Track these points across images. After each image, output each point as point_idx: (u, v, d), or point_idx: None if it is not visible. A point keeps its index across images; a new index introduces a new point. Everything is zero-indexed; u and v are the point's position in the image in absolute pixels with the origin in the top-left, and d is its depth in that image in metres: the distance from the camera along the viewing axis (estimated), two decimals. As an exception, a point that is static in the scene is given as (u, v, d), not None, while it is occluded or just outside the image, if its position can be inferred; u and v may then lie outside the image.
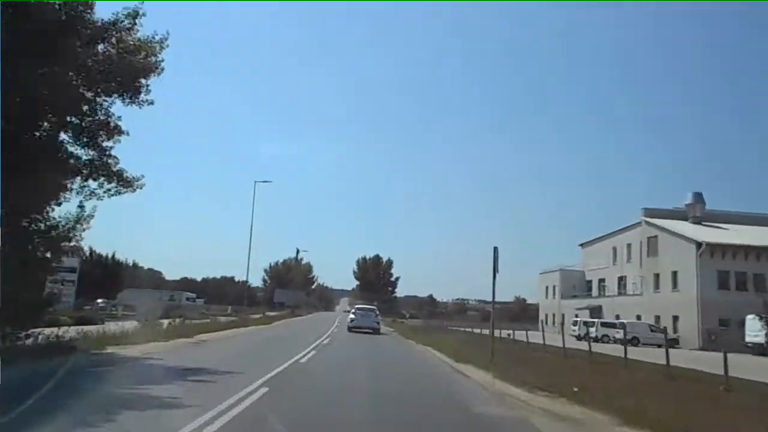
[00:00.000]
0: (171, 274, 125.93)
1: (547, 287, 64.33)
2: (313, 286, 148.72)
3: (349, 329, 33.19)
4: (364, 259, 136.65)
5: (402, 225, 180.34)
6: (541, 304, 66.98)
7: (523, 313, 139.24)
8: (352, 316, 35.77)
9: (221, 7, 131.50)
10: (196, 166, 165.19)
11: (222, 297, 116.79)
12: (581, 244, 61.62)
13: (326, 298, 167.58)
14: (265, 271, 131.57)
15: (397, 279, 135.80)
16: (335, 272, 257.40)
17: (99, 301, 53.64)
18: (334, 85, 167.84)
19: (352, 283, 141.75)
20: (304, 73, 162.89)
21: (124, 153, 12.53)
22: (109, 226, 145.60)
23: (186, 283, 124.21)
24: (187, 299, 77.04)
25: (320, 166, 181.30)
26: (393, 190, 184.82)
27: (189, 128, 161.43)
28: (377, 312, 37.93)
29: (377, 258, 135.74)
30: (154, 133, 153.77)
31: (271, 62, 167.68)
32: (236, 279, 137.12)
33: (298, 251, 59.61)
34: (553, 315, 61.38)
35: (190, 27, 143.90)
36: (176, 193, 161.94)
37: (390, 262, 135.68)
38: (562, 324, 45.25)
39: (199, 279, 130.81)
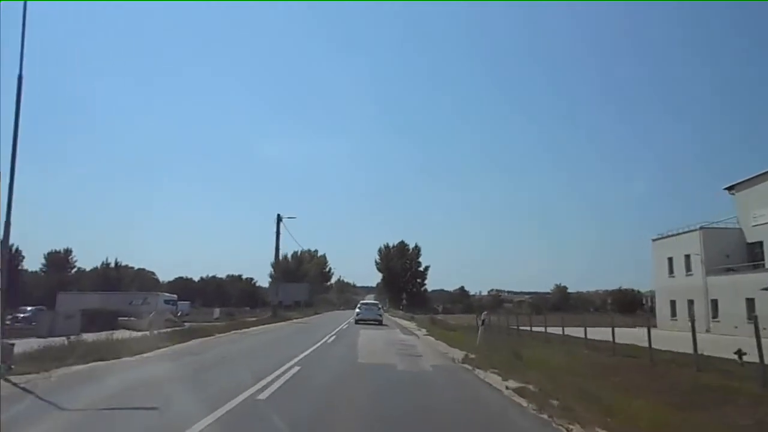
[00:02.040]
0: (167, 275, 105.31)
1: (670, 259, 40.03)
2: (330, 282, 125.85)
3: (356, 321, 35.55)
4: (387, 246, 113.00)
5: (426, 217, 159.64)
6: (659, 285, 42.45)
7: (564, 302, 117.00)
8: (358, 310, 39.21)
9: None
10: (198, 163, 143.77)
11: (224, 297, 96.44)
12: (730, 187, 37.27)
13: (347, 295, 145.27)
14: (272, 265, 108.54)
15: (426, 269, 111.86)
16: (359, 269, 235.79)
17: (29, 309, 41.06)
18: (346, 79, 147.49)
19: (377, 278, 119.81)
20: (305, 65, 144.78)
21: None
22: (98, 226, 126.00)
23: (181, 284, 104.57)
24: (167, 302, 55.60)
25: (334, 162, 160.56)
26: (413, 182, 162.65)
27: (190, 125, 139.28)
28: (380, 306, 43.70)
29: (402, 245, 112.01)
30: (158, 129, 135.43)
31: (274, 55, 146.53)
32: (243, 277, 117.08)
33: (279, 218, 35.84)
34: (689, 302, 37.09)
35: (194, 22, 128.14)
36: (175, 191, 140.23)
37: (417, 250, 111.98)
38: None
39: (196, 279, 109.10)
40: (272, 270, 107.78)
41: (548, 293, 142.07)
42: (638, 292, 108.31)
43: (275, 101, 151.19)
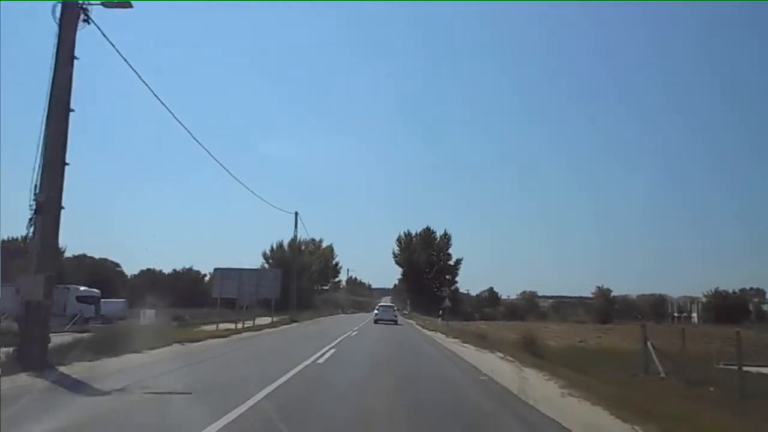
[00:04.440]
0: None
1: None
2: (337, 278, 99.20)
3: (375, 321, 36.01)
4: (408, 234, 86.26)
5: (445, 217, 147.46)
6: None
7: (609, 307, 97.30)
8: (376, 311, 41.26)
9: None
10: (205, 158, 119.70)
11: (200, 295, 71.75)
12: None
13: (361, 296, 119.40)
14: (265, 256, 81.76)
15: (458, 262, 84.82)
16: (374, 270, 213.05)
17: None
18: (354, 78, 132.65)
19: (393, 279, 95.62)
20: (320, 65, 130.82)
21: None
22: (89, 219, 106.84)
23: (148, 278, 79.13)
24: (82, 299, 35.51)
25: (348, 162, 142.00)
26: (432, 183, 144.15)
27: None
28: (395, 308, 44.83)
29: (428, 232, 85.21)
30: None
31: (289, 55, 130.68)
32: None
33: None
34: None
35: (205, 19, 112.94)
36: (177, 186, 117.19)
37: (447, 238, 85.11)
38: None
39: (168, 271, 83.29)
40: (263, 262, 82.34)
41: (588, 298, 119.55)
42: (738, 292, 79.66)
43: (288, 99, 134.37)
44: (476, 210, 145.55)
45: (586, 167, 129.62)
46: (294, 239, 39.65)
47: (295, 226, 39.06)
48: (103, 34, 10.32)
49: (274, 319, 33.78)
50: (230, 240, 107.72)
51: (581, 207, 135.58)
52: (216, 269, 31.61)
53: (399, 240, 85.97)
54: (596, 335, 43.47)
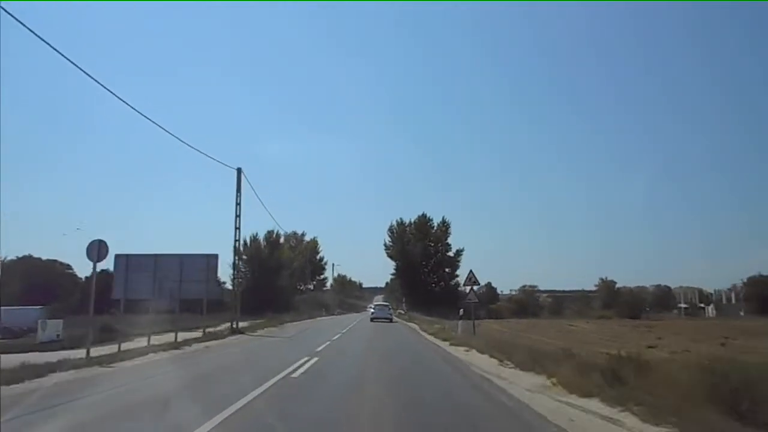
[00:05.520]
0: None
1: None
2: (323, 276, 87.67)
3: (371, 319, 38.72)
4: (401, 223, 75.03)
5: (437, 213, 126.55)
6: None
7: (613, 299, 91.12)
8: (372, 309, 44.93)
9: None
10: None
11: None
12: None
13: (351, 296, 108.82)
14: (237, 252, 69.51)
15: (459, 253, 73.54)
16: (365, 270, 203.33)
17: None
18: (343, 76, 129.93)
19: (385, 277, 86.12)
20: (310, 66, 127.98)
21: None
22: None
23: (102, 279, 66.15)
24: None
25: (340, 163, 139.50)
26: (421, 181, 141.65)
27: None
28: (390, 307, 47.95)
29: (423, 220, 74.02)
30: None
31: (278, 56, 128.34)
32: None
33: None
34: None
35: (197, 22, 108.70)
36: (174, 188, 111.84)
37: (446, 227, 73.98)
38: None
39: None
40: (237, 261, 70.28)
41: (590, 291, 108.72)
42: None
43: (277, 102, 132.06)
44: (469, 204, 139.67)
45: (582, 159, 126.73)
46: (237, 206, 28.01)
47: (238, 190, 27.58)
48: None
49: (212, 329, 22.53)
50: (205, 238, 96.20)
51: (578, 199, 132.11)
52: (118, 256, 20.05)
53: (391, 230, 74.83)
54: (654, 337, 32.84)
